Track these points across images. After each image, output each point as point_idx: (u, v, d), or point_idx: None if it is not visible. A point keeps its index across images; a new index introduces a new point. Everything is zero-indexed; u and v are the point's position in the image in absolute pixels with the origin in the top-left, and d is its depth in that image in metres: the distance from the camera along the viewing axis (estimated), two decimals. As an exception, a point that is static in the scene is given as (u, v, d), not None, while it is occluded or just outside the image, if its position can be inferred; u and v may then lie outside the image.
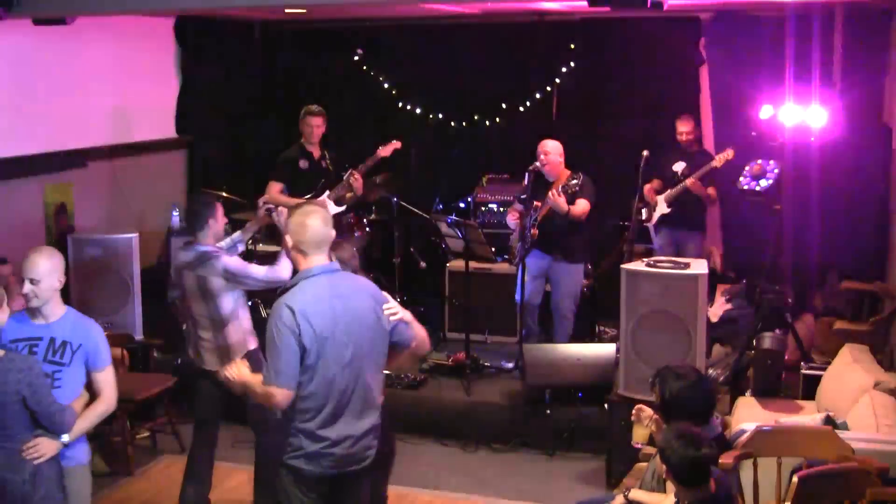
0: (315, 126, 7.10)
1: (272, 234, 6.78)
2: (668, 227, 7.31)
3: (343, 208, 7.15)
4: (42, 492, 3.74)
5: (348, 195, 7.14)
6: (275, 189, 6.99)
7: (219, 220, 5.04)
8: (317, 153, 7.16)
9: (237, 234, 5.47)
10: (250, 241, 6.76)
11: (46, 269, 3.83)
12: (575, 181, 6.48)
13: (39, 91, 6.86)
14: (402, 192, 7.77)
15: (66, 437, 3.81)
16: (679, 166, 7.28)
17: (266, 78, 9.06)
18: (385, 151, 7.21)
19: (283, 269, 4.87)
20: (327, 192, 7.07)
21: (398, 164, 7.63)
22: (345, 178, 7.06)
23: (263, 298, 6.93)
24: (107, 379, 4.01)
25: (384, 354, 3.81)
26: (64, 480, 3.86)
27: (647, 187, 7.20)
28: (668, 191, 7.26)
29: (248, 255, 6.85)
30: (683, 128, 7.30)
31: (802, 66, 7.19)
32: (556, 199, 6.43)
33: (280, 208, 5.18)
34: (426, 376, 6.90)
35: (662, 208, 7.30)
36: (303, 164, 7.11)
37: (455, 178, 8.34)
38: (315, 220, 3.66)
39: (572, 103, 8.26)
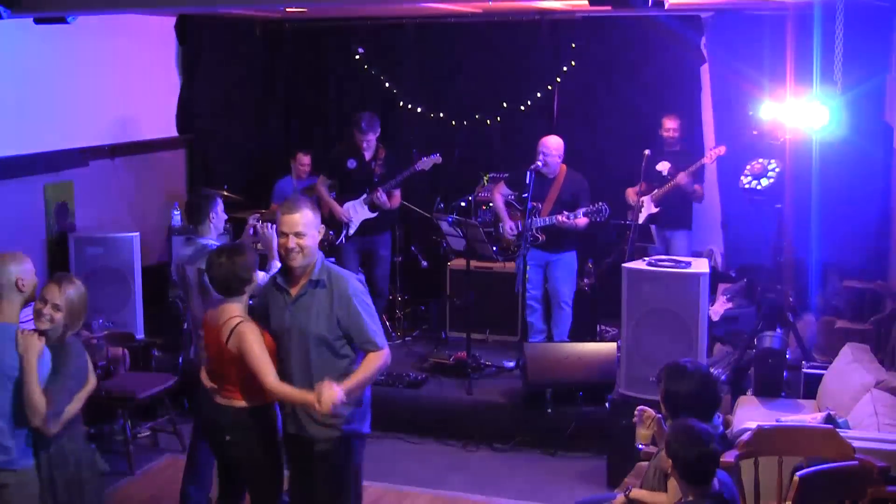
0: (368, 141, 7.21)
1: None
2: (656, 226, 7.37)
3: (376, 214, 7.29)
4: None
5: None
6: (321, 182, 7.26)
7: (219, 215, 5.06)
8: (369, 154, 7.23)
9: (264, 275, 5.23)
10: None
11: None
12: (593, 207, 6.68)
13: (40, 90, 6.84)
14: (404, 191, 7.77)
15: None
16: (663, 166, 7.32)
17: (267, 77, 9.05)
18: (424, 165, 7.27)
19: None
20: (363, 196, 7.13)
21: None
22: (366, 196, 7.20)
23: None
24: None
25: None
26: None
27: (629, 190, 7.25)
28: (656, 190, 7.30)
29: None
30: (671, 124, 7.36)
31: (803, 64, 7.18)
32: (566, 222, 6.65)
33: (265, 228, 4.97)
34: (427, 375, 6.92)
35: (650, 208, 7.33)
36: (350, 163, 7.16)
37: (456, 178, 8.34)
38: None
39: (573, 103, 8.26)
